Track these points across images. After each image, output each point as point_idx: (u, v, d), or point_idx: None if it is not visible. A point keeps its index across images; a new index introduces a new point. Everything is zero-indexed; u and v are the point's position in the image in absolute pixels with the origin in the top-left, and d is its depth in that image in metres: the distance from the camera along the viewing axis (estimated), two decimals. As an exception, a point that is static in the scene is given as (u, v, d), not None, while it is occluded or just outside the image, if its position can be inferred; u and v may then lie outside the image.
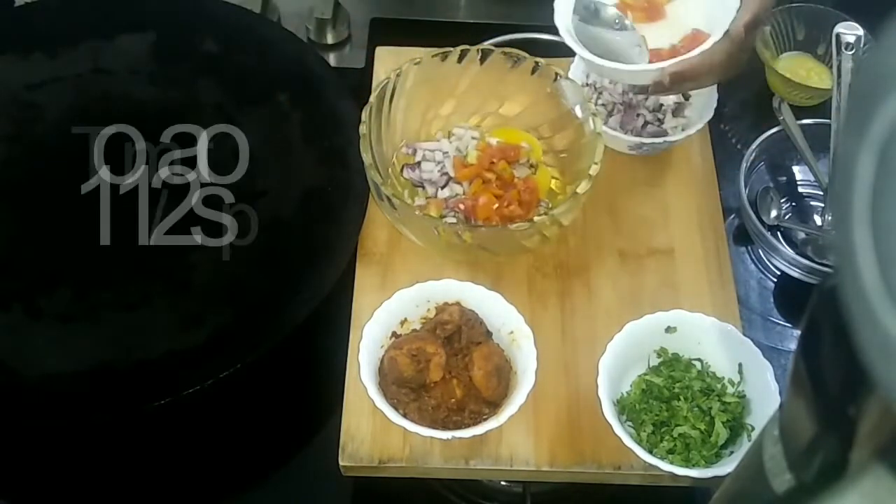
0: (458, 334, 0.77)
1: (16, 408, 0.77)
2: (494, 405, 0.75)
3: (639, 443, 0.73)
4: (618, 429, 0.72)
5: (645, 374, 0.78)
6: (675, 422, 0.75)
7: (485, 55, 0.89)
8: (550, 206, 0.86)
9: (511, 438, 0.76)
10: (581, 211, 0.84)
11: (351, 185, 0.88)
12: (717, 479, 0.69)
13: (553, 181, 0.90)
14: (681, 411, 0.75)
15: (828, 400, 0.43)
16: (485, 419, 0.74)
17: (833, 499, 0.41)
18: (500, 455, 0.75)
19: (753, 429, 0.74)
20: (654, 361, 0.79)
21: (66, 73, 0.98)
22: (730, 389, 0.76)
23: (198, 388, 0.76)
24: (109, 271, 0.85)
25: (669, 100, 0.95)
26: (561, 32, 0.81)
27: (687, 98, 0.95)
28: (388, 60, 0.98)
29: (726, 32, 0.77)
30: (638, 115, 0.94)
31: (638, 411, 0.76)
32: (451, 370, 0.76)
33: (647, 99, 0.95)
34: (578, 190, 0.79)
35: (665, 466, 0.71)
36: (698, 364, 0.78)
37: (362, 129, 0.83)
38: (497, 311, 0.78)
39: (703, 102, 0.93)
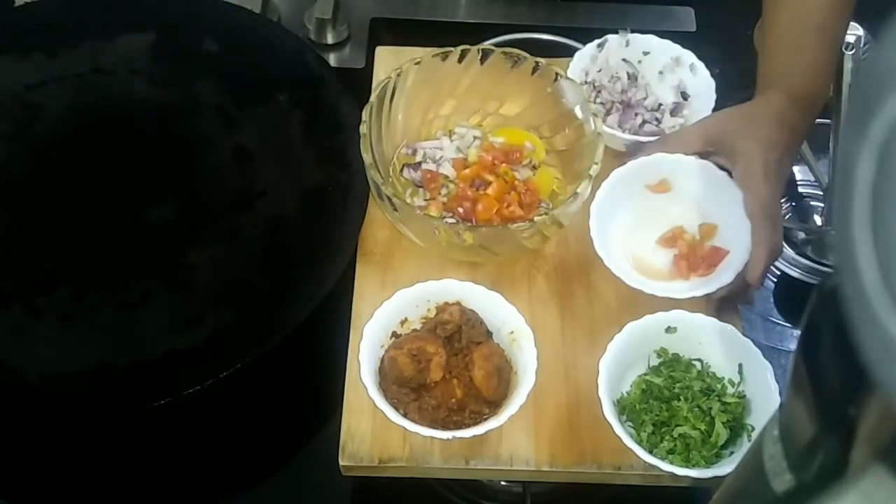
0: (458, 334, 0.77)
1: (16, 408, 0.77)
2: (495, 405, 0.75)
3: (639, 443, 0.73)
4: (618, 429, 0.72)
5: (645, 374, 0.78)
6: (676, 422, 0.74)
7: (485, 55, 0.89)
8: (551, 206, 0.86)
9: (511, 438, 0.76)
10: (582, 211, 0.84)
11: (351, 185, 0.88)
12: (717, 480, 0.69)
13: (554, 181, 0.90)
14: (681, 411, 0.75)
15: (828, 400, 0.43)
16: (485, 419, 0.74)
17: (833, 499, 0.41)
18: (500, 455, 0.75)
19: (753, 429, 0.74)
20: (655, 361, 0.79)
21: (66, 73, 0.98)
22: (730, 390, 0.76)
23: (198, 388, 0.76)
24: (109, 271, 0.85)
25: (668, 99, 0.96)
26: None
27: (686, 98, 0.95)
28: (389, 60, 0.98)
29: (739, 274, 0.78)
30: (636, 114, 0.94)
31: (638, 411, 0.75)
32: (451, 370, 0.76)
33: (646, 98, 0.95)
34: (579, 190, 0.80)
35: (665, 466, 0.71)
36: (698, 364, 0.78)
37: (363, 128, 0.83)
38: (497, 310, 0.78)
39: (702, 101, 0.93)
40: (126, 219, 0.89)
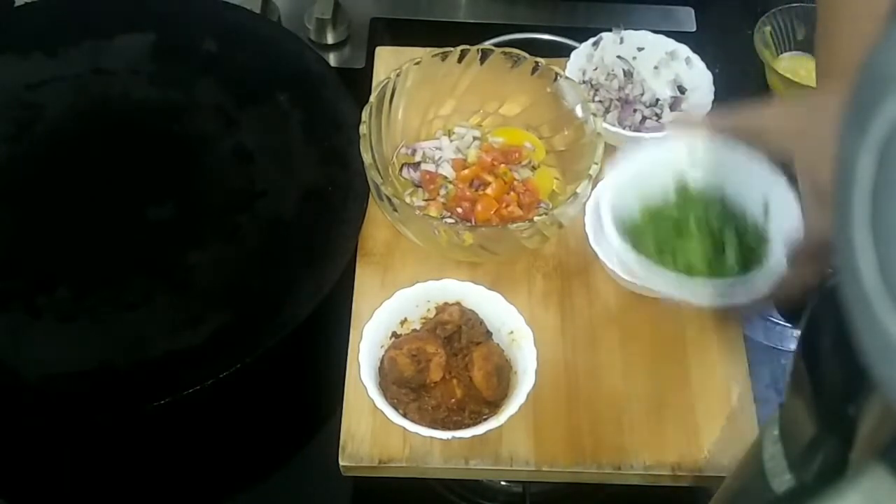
0: (458, 334, 0.77)
1: (16, 408, 0.77)
2: (494, 405, 0.75)
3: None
4: (616, 241, 0.65)
5: (658, 204, 0.70)
6: (682, 246, 0.67)
7: (485, 55, 0.89)
8: (551, 206, 0.86)
9: (511, 438, 0.76)
10: (581, 211, 0.84)
11: (351, 185, 0.88)
12: (718, 305, 0.65)
13: (554, 181, 0.90)
14: (690, 236, 0.67)
15: (828, 400, 0.43)
16: (485, 419, 0.74)
17: (833, 499, 0.41)
18: (499, 455, 0.75)
19: (768, 266, 0.65)
20: (672, 196, 0.71)
21: (66, 73, 0.98)
22: (750, 224, 0.69)
23: (198, 388, 0.76)
24: (109, 271, 0.85)
25: (665, 94, 0.96)
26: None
27: (683, 92, 0.95)
28: (388, 60, 0.98)
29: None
30: (635, 110, 0.94)
31: (642, 231, 0.68)
32: (451, 370, 0.76)
33: (642, 94, 0.95)
34: (578, 190, 0.80)
35: (664, 284, 0.65)
36: (720, 200, 0.70)
37: (362, 129, 0.83)
38: (497, 310, 0.78)
39: (700, 95, 0.93)
40: (126, 219, 0.89)
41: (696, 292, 0.66)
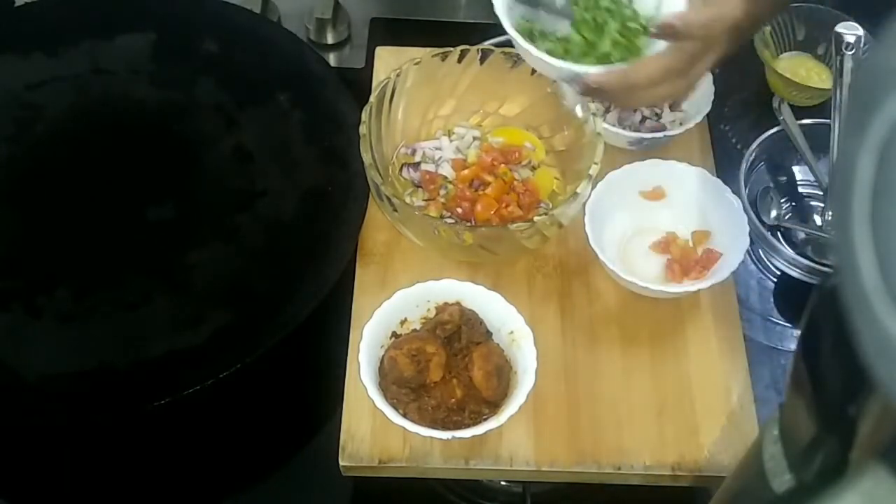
0: (458, 334, 0.77)
1: (16, 408, 0.77)
2: (494, 405, 0.75)
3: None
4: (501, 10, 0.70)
5: None
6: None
7: (485, 55, 0.89)
8: (551, 206, 0.86)
9: (511, 438, 0.76)
10: (581, 211, 0.84)
11: (351, 185, 0.88)
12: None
13: (554, 181, 0.90)
14: (576, 17, 0.72)
15: (828, 400, 0.43)
16: (485, 419, 0.74)
17: (833, 499, 0.41)
18: (500, 455, 0.75)
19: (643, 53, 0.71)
20: None
21: (66, 73, 0.98)
22: (641, 20, 0.74)
23: (198, 388, 0.76)
24: (109, 271, 0.85)
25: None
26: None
27: None
28: (388, 60, 0.98)
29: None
30: (635, 110, 0.94)
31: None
32: (451, 370, 0.76)
33: None
34: (578, 190, 0.80)
35: (531, 49, 0.70)
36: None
37: (362, 129, 0.83)
38: (497, 310, 0.78)
39: (701, 96, 0.93)
40: (126, 219, 0.89)
41: (564, 71, 0.71)
